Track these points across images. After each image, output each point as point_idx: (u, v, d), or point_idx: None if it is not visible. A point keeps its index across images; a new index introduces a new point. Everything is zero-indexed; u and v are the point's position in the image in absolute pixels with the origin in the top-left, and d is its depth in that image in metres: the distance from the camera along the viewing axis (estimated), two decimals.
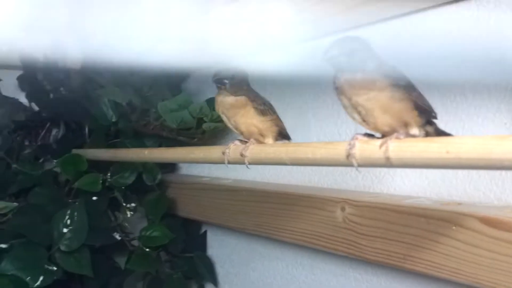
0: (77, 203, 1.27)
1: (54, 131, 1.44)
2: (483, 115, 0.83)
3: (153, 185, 1.42)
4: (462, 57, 0.86)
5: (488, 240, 0.71)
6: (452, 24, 0.88)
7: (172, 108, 1.34)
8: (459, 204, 0.82)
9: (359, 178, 1.02)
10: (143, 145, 1.41)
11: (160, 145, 1.45)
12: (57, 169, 1.35)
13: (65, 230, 1.23)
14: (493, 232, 0.70)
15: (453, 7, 0.88)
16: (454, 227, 0.76)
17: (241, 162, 0.79)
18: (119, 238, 1.35)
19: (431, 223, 0.79)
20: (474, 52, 0.84)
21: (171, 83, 1.48)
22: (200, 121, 1.34)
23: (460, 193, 0.86)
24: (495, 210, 0.74)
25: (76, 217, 1.24)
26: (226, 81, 0.82)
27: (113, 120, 1.39)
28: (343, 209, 0.94)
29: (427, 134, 0.62)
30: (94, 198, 1.34)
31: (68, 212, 1.24)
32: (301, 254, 1.16)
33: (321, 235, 0.99)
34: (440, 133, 0.64)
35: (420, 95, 0.61)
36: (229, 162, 0.82)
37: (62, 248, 1.22)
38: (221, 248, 1.46)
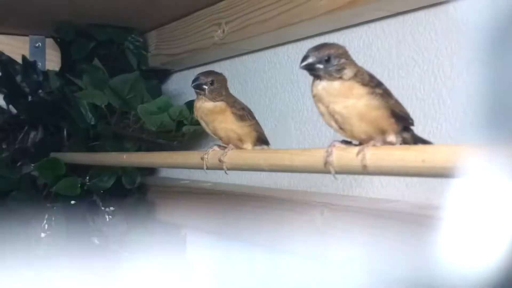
0: (55, 207, 1.26)
1: (32, 134, 1.43)
2: (460, 119, 0.84)
3: (132, 188, 1.41)
4: (440, 61, 0.87)
5: None
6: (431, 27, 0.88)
7: (151, 110, 1.33)
8: (437, 208, 0.82)
9: (338, 181, 1.03)
10: (122, 148, 1.40)
11: (139, 148, 1.44)
12: (35, 173, 1.34)
13: (43, 234, 1.22)
14: None
15: (432, 10, 0.89)
16: (432, 232, 0.76)
17: (219, 167, 0.78)
18: (97, 242, 1.34)
19: (409, 227, 0.79)
20: (452, 56, 0.85)
21: (151, 86, 1.47)
22: (180, 124, 1.33)
23: (438, 196, 0.87)
24: None
25: (54, 222, 1.24)
26: (205, 86, 0.81)
27: (92, 123, 1.38)
28: (322, 212, 0.94)
29: (404, 141, 0.62)
30: (73, 202, 1.33)
31: (46, 216, 1.24)
32: (280, 257, 1.16)
33: (300, 239, 0.99)
34: (417, 139, 0.64)
35: (397, 103, 0.61)
36: (207, 168, 0.82)
37: (40, 252, 1.21)
38: (200, 252, 1.45)
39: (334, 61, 0.61)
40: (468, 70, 0.82)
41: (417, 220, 0.78)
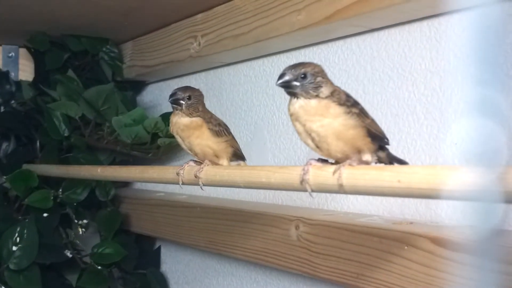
0: (27, 220, 1.25)
1: (4, 145, 1.41)
2: (434, 135, 0.85)
3: (106, 200, 1.40)
4: (414, 76, 0.88)
5: (439, 260, 0.72)
6: (405, 44, 0.90)
7: (126, 122, 1.32)
8: (411, 223, 0.83)
9: (314, 195, 1.03)
10: (96, 160, 1.39)
11: (114, 160, 1.43)
12: (7, 185, 1.32)
13: (14, 248, 1.21)
14: (444, 252, 0.72)
15: (406, 27, 0.90)
16: (406, 247, 0.77)
17: (195, 183, 0.78)
18: (70, 255, 1.32)
19: (383, 242, 0.80)
20: (426, 72, 0.86)
21: (126, 97, 1.46)
22: (155, 136, 1.33)
23: (412, 211, 0.87)
24: (446, 230, 0.75)
25: (26, 235, 1.22)
26: (182, 102, 0.81)
27: (66, 134, 1.37)
28: (297, 227, 0.94)
29: (380, 160, 0.63)
30: (45, 214, 1.31)
31: (18, 229, 1.22)
32: (256, 271, 1.16)
33: (275, 253, 0.99)
34: (392, 158, 0.65)
35: (373, 122, 0.62)
36: (183, 183, 0.81)
37: (11, 266, 1.19)
38: (175, 264, 1.45)
39: (311, 79, 0.61)
40: (441, 86, 0.83)
41: (392, 235, 0.79)
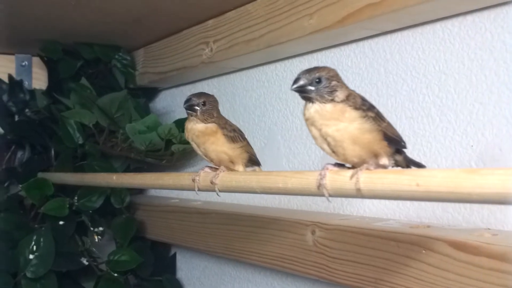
0: (43, 228, 1.25)
1: (19, 154, 1.42)
2: (449, 137, 0.84)
3: (121, 208, 1.40)
4: (428, 79, 0.87)
5: (458, 264, 0.71)
6: (419, 46, 0.89)
7: (140, 129, 1.33)
8: (428, 227, 0.82)
9: (330, 200, 1.03)
10: (110, 167, 1.40)
11: (128, 167, 1.43)
12: (23, 193, 1.32)
13: (31, 256, 1.21)
14: (462, 256, 0.71)
15: (419, 30, 0.89)
16: (424, 251, 0.76)
17: (211, 189, 0.78)
18: (86, 263, 1.33)
19: (401, 246, 0.79)
20: (440, 74, 0.86)
21: (139, 104, 1.47)
22: (168, 143, 1.33)
23: (429, 215, 0.87)
24: (464, 234, 0.75)
25: (42, 243, 1.22)
26: (197, 107, 0.81)
27: (80, 142, 1.38)
28: (313, 232, 0.94)
29: (397, 164, 0.63)
30: (61, 222, 1.32)
31: (34, 238, 1.22)
32: (272, 277, 1.16)
33: (291, 258, 0.98)
34: (409, 161, 0.64)
35: (389, 125, 0.61)
36: (199, 189, 0.81)
37: (28, 275, 1.20)
38: (190, 271, 1.45)
39: (326, 83, 0.61)
40: (456, 88, 0.83)
41: (409, 238, 0.78)
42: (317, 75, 0.61)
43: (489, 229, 0.78)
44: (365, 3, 0.87)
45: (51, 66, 1.47)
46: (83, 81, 1.41)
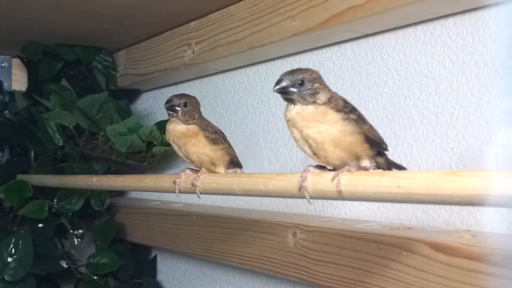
0: (22, 231, 1.24)
1: None
2: (430, 140, 0.85)
3: (101, 210, 1.39)
4: (410, 81, 0.88)
5: (437, 265, 0.72)
6: (400, 49, 0.90)
7: (121, 131, 1.32)
8: (409, 228, 0.83)
9: (312, 202, 1.03)
10: (91, 169, 1.39)
11: (108, 169, 1.42)
12: (1, 196, 1.30)
13: (9, 259, 1.20)
14: (442, 257, 0.71)
15: (401, 32, 0.90)
16: (404, 253, 0.76)
17: (192, 191, 0.78)
18: (66, 266, 1.32)
19: (381, 248, 0.80)
20: (421, 77, 0.86)
21: (120, 106, 1.46)
22: (150, 145, 1.32)
23: (410, 217, 0.87)
24: (444, 235, 0.75)
25: (21, 246, 1.21)
26: (178, 108, 0.81)
27: (60, 144, 1.36)
28: (294, 234, 0.94)
29: (378, 166, 0.63)
30: (40, 225, 1.31)
31: (13, 240, 1.21)
32: (253, 278, 1.16)
33: (272, 260, 0.98)
34: (390, 164, 0.64)
35: (371, 128, 0.62)
36: (180, 192, 0.81)
37: (7, 278, 1.19)
38: (171, 273, 1.44)
39: (308, 85, 0.61)
40: (437, 91, 0.83)
41: (390, 240, 0.78)
42: (300, 76, 0.61)
43: (469, 230, 0.78)
44: (347, 5, 0.87)
45: (31, 68, 1.46)
46: (64, 82, 1.40)
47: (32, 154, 1.39)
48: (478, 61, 0.79)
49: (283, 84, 0.61)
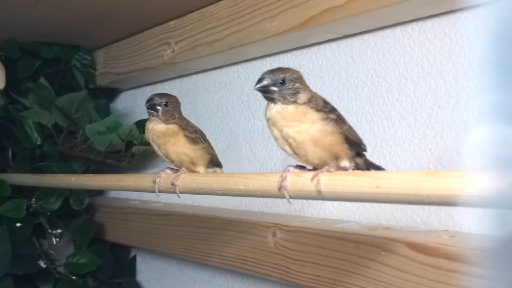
0: (0, 230, 1.22)
1: None
2: (409, 140, 0.85)
3: (80, 209, 1.38)
4: (388, 82, 0.88)
5: (416, 265, 0.72)
6: (379, 50, 0.90)
7: (100, 130, 1.31)
8: (387, 228, 0.83)
9: (291, 202, 1.03)
10: (70, 168, 1.38)
11: (87, 168, 1.41)
12: None
13: None
14: (420, 257, 0.72)
15: (379, 34, 0.90)
16: (383, 252, 0.77)
17: (172, 191, 0.78)
18: (44, 265, 1.31)
19: (361, 248, 0.80)
20: (399, 78, 0.87)
21: (99, 105, 1.45)
22: (129, 144, 1.31)
23: (388, 216, 0.88)
24: (422, 235, 0.76)
25: None
26: (159, 107, 0.81)
27: (38, 142, 1.35)
28: (274, 234, 0.94)
29: (357, 166, 0.63)
30: (18, 224, 1.29)
31: None
32: (232, 278, 1.16)
33: (252, 260, 0.98)
34: (369, 164, 0.65)
35: (350, 128, 0.62)
36: (159, 191, 0.80)
37: None
38: (150, 273, 1.43)
39: (289, 85, 0.61)
40: (415, 92, 0.84)
41: (369, 240, 0.79)
42: (281, 76, 0.62)
43: (447, 230, 0.79)
44: (326, 6, 0.87)
45: (9, 66, 1.43)
46: (42, 80, 1.39)
47: (10, 152, 1.38)
48: (455, 62, 0.80)
49: (264, 82, 0.62)
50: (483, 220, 0.75)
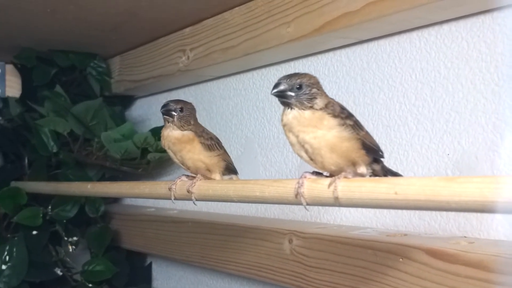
0: (16, 238, 1.23)
1: None
2: (426, 146, 0.84)
3: (96, 217, 1.38)
4: (405, 87, 0.88)
5: (434, 272, 0.72)
6: (395, 55, 0.90)
7: (115, 138, 1.31)
8: (405, 235, 0.82)
9: (308, 208, 1.02)
10: (85, 176, 1.38)
11: (103, 176, 1.42)
12: None
13: (3, 266, 1.19)
14: (439, 264, 0.71)
15: (395, 39, 0.90)
16: (401, 259, 0.76)
17: (188, 198, 0.77)
18: (60, 273, 1.31)
19: (378, 255, 0.79)
20: (416, 83, 0.86)
21: (114, 112, 1.45)
22: (144, 151, 1.32)
23: (406, 223, 0.87)
24: (440, 242, 0.75)
25: (15, 253, 1.21)
26: (174, 113, 0.80)
27: (54, 150, 1.36)
28: (290, 241, 0.93)
29: (374, 173, 0.62)
30: (34, 232, 1.30)
31: (7, 248, 1.21)
32: (249, 286, 1.15)
33: (268, 267, 0.98)
34: (386, 170, 0.64)
35: (367, 134, 0.61)
36: (175, 198, 0.80)
37: (1, 285, 1.18)
38: (166, 280, 1.43)
39: (306, 90, 0.61)
40: (432, 97, 0.83)
41: (386, 247, 0.78)
42: (298, 81, 0.61)
43: (465, 237, 0.78)
44: (342, 12, 0.87)
45: (25, 74, 1.45)
46: (58, 88, 1.40)
47: (26, 160, 1.39)
48: (473, 67, 0.79)
49: (281, 87, 0.61)
50: (502, 226, 0.74)
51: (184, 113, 0.81)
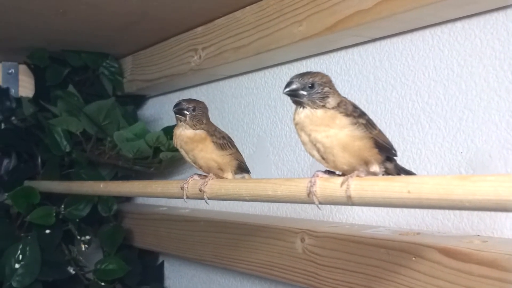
0: (29, 237, 1.23)
1: (5, 162, 1.40)
2: (439, 144, 0.84)
3: (108, 216, 1.39)
4: (418, 85, 0.87)
5: (448, 271, 0.71)
6: (408, 53, 0.89)
7: (128, 137, 1.32)
8: (418, 234, 0.82)
9: (320, 207, 1.02)
10: (98, 175, 1.39)
11: (115, 175, 1.42)
12: (9, 202, 1.31)
13: (17, 265, 1.20)
14: (452, 263, 0.71)
15: (408, 36, 0.89)
16: (414, 258, 0.76)
17: (200, 197, 0.77)
18: (73, 272, 1.31)
19: (391, 254, 0.79)
20: (429, 81, 0.86)
21: (127, 111, 1.46)
22: (157, 150, 1.32)
23: (419, 222, 0.87)
24: (453, 241, 0.74)
25: (28, 252, 1.21)
26: (186, 112, 0.80)
27: (67, 150, 1.36)
28: (302, 240, 0.93)
29: (387, 171, 0.62)
30: (47, 231, 1.30)
31: (20, 246, 1.21)
32: (261, 284, 1.15)
33: (280, 266, 0.98)
34: (399, 169, 0.64)
35: (380, 133, 0.61)
36: (187, 197, 0.80)
37: (14, 284, 1.18)
38: (178, 279, 1.44)
39: (318, 89, 0.60)
40: (445, 95, 0.83)
41: (399, 246, 0.78)
42: (310, 80, 0.61)
43: (478, 235, 0.78)
44: (354, 10, 0.86)
45: (38, 74, 1.46)
46: (70, 88, 1.40)
47: (39, 160, 1.39)
48: (486, 65, 0.78)
49: (293, 86, 0.61)
50: None
51: (197, 112, 0.81)
